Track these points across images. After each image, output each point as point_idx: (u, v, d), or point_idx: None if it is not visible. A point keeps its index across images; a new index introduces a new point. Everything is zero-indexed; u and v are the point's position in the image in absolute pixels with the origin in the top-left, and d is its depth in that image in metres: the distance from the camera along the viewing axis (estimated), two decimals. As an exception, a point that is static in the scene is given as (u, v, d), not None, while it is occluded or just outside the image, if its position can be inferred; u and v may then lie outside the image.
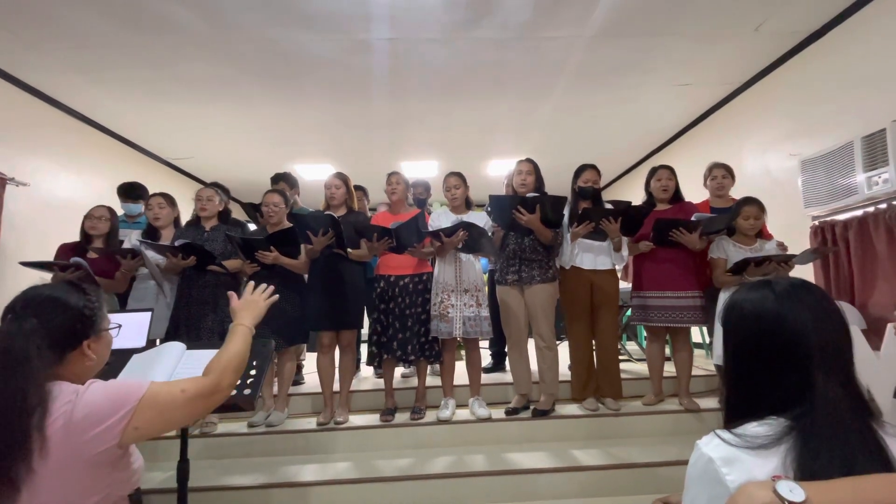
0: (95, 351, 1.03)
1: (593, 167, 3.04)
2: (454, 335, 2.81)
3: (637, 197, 3.21)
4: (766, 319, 0.80)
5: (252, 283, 1.33)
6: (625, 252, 2.98)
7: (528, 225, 2.72)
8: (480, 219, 2.93)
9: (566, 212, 2.92)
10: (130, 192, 3.44)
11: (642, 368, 3.53)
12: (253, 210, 3.47)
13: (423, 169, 5.95)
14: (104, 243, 2.93)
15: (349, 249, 2.84)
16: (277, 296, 1.34)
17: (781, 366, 0.77)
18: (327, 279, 2.86)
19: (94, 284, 1.19)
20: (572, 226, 2.83)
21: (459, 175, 3.01)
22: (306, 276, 2.97)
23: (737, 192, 3.13)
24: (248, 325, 1.22)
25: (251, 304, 1.26)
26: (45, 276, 2.67)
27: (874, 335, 2.62)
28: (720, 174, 3.08)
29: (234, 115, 4.56)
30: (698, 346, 4.20)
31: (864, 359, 2.38)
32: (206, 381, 1.05)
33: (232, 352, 1.13)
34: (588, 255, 2.94)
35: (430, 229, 2.84)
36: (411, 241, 2.75)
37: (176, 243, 2.76)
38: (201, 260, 2.75)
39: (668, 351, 3.19)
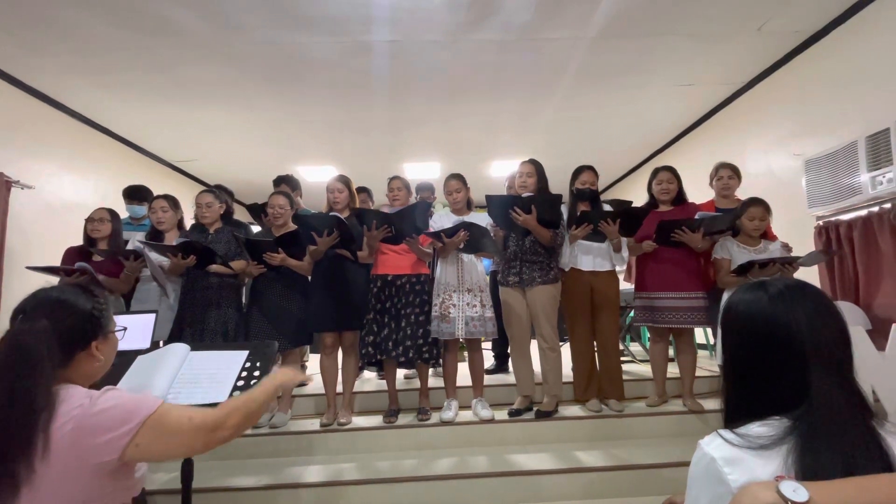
0: (103, 352, 1.04)
1: (591, 168, 3.03)
2: (456, 335, 2.80)
3: (640, 198, 3.20)
4: (759, 320, 0.81)
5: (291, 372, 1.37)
6: (624, 253, 2.98)
7: (525, 225, 2.72)
8: (482, 219, 2.93)
9: (565, 213, 2.91)
10: (135, 194, 3.46)
11: (646, 370, 3.52)
12: (257, 211, 3.48)
13: (425, 170, 5.96)
14: (108, 245, 2.94)
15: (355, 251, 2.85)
16: (309, 383, 1.41)
17: (777, 366, 0.78)
18: (331, 280, 2.87)
19: (99, 288, 1.20)
20: (571, 228, 2.83)
21: (460, 178, 3.01)
22: (310, 276, 2.98)
23: (741, 193, 3.12)
24: (276, 384, 1.24)
25: (285, 374, 1.31)
26: (51, 279, 2.69)
27: (879, 335, 2.61)
28: (726, 174, 3.08)
29: (236, 118, 4.58)
30: (702, 347, 4.18)
31: (868, 359, 2.38)
32: (212, 415, 1.04)
33: (249, 397, 1.13)
34: (587, 256, 2.94)
35: (432, 230, 2.84)
36: (409, 231, 2.75)
37: (175, 242, 2.77)
38: (202, 259, 2.76)
39: (671, 352, 3.18)
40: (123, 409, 0.94)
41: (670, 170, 3.01)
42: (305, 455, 2.67)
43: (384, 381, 3.13)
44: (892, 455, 0.70)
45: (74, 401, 0.92)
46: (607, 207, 2.98)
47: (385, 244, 2.89)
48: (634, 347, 4.71)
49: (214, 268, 2.82)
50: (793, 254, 2.80)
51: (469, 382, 2.99)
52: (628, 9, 3.09)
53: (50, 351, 0.93)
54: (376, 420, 2.87)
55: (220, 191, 3.25)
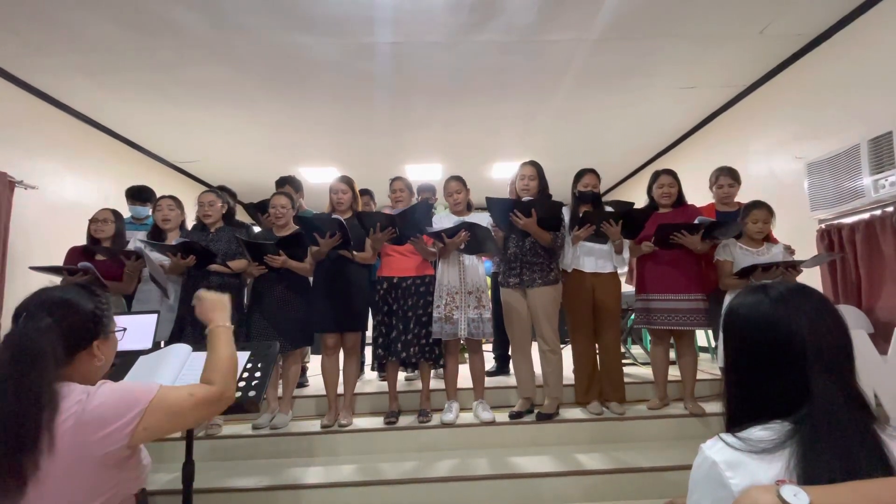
0: (103, 352, 1.06)
1: (593, 171, 3.04)
2: (459, 335, 2.81)
3: (640, 201, 3.20)
4: (760, 323, 0.81)
5: (203, 290, 1.34)
6: (626, 254, 2.98)
7: (525, 228, 2.73)
8: (483, 219, 2.93)
9: (567, 215, 2.92)
10: (138, 194, 3.48)
11: (647, 372, 3.51)
12: (254, 210, 3.47)
13: (426, 172, 5.96)
14: (111, 246, 2.95)
15: (355, 252, 2.85)
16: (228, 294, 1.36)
17: (779, 369, 0.78)
18: (332, 281, 2.87)
19: (102, 287, 1.22)
20: (573, 229, 2.83)
21: (460, 179, 3.02)
22: (311, 278, 2.98)
23: (742, 196, 3.12)
24: (226, 325, 1.26)
25: (217, 302, 1.29)
26: (54, 279, 2.70)
27: (881, 339, 2.60)
28: (727, 183, 3.06)
29: (238, 119, 4.59)
30: (704, 350, 4.17)
31: (871, 363, 2.38)
32: (212, 390, 1.10)
33: (225, 356, 1.18)
34: (589, 258, 2.94)
35: (433, 230, 2.84)
36: (412, 231, 2.76)
37: (174, 242, 2.78)
38: (201, 260, 2.77)
39: (672, 355, 3.17)
40: (124, 399, 0.96)
41: (671, 173, 3.01)
42: (306, 456, 2.67)
43: (385, 383, 3.13)
44: (893, 459, 0.69)
45: (73, 398, 0.93)
46: (609, 209, 2.98)
47: (390, 246, 2.90)
48: (636, 350, 4.70)
49: (215, 267, 2.83)
50: (795, 257, 2.79)
51: (470, 384, 2.99)
52: (630, 11, 3.10)
53: (54, 348, 0.95)
54: (377, 421, 2.87)
55: (222, 192, 3.26)
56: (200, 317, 1.29)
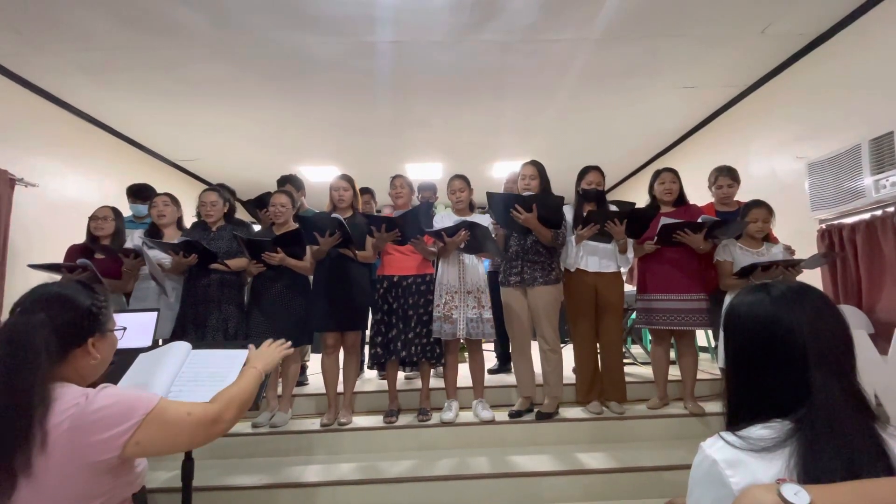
0: (100, 350, 1.03)
1: (597, 169, 3.03)
2: (458, 335, 2.81)
3: (641, 200, 3.20)
4: (761, 322, 0.81)
5: (270, 339, 1.45)
6: (630, 254, 2.97)
7: (526, 224, 2.72)
8: (484, 221, 2.93)
9: (571, 214, 2.91)
10: (139, 193, 3.48)
11: (647, 372, 3.51)
12: (253, 207, 3.47)
13: (427, 171, 5.97)
14: (110, 243, 2.95)
15: (356, 251, 2.85)
16: (293, 350, 1.46)
17: (779, 369, 0.78)
18: (332, 280, 2.87)
19: (101, 285, 1.21)
20: (577, 228, 2.83)
21: (464, 178, 3.02)
22: (311, 276, 2.98)
23: (743, 196, 3.11)
24: (259, 370, 1.29)
25: (266, 354, 1.38)
26: (53, 277, 2.70)
27: (882, 339, 2.60)
28: (725, 183, 3.04)
29: (239, 117, 4.59)
30: (704, 349, 4.17)
31: (871, 363, 2.37)
32: (209, 409, 1.06)
33: (239, 389, 1.18)
34: (593, 257, 2.94)
35: (433, 229, 2.84)
36: (414, 232, 2.76)
37: (176, 241, 2.78)
38: (203, 259, 2.77)
39: (673, 354, 3.17)
40: (122, 407, 0.93)
41: (672, 171, 3.01)
42: (306, 455, 2.67)
43: (385, 382, 3.13)
44: (893, 458, 0.69)
45: (70, 399, 0.91)
46: (613, 208, 2.98)
47: (390, 245, 2.90)
48: (636, 349, 4.70)
49: (216, 265, 2.83)
50: (795, 257, 2.79)
51: (469, 383, 2.99)
52: (631, 11, 3.09)
53: (46, 344, 0.92)
54: (377, 420, 2.87)
55: (222, 189, 3.25)
56: (248, 358, 1.36)
